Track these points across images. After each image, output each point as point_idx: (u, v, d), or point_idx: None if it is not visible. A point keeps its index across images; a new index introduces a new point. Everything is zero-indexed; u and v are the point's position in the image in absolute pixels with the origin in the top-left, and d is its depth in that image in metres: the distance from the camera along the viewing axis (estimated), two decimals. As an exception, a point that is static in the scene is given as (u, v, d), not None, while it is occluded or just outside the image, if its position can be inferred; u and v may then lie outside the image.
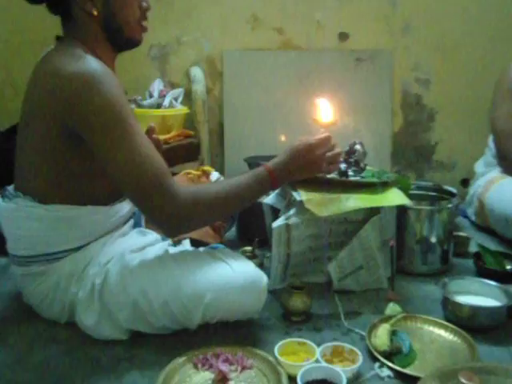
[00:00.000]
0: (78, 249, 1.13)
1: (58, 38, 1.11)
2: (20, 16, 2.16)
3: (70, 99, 0.98)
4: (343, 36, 2.32)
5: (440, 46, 2.30)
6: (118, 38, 1.11)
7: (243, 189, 1.10)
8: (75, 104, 0.97)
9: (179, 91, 2.12)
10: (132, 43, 1.14)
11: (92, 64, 1.00)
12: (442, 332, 1.13)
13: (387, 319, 1.14)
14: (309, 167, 1.18)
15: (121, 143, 0.98)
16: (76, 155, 1.06)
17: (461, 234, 1.68)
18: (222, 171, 2.08)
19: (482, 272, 1.43)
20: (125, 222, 1.25)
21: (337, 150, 1.22)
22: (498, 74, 1.87)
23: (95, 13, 1.05)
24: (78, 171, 1.08)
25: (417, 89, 2.36)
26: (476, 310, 1.16)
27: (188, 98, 2.20)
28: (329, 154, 1.20)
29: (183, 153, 1.99)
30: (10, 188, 1.16)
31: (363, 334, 1.12)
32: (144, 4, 1.12)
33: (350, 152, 1.40)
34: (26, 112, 1.09)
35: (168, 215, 1.01)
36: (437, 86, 2.34)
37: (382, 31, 2.30)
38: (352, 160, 1.39)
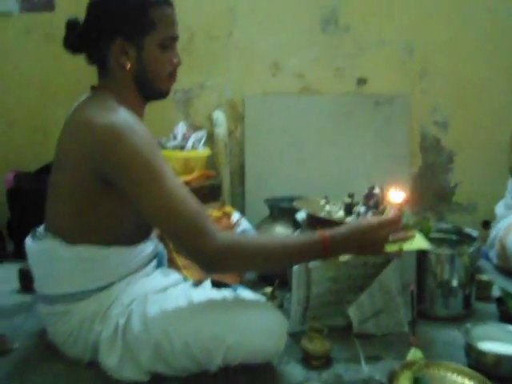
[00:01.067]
0: (103, 289, 1.16)
1: (93, 88, 1.19)
2: (55, 62, 2.29)
3: (103, 149, 1.03)
4: (362, 81, 2.38)
5: (457, 90, 2.34)
6: (148, 89, 1.17)
7: (291, 248, 1.06)
8: (108, 154, 1.03)
9: (202, 134, 2.20)
10: (161, 95, 1.21)
11: (122, 115, 1.06)
12: (465, 380, 1.10)
13: (409, 366, 1.13)
14: (369, 247, 1.10)
15: (153, 188, 1.01)
16: (105, 199, 1.10)
17: (483, 277, 1.66)
18: (242, 212, 2.11)
19: (506, 317, 1.41)
20: (148, 262, 1.28)
21: (402, 233, 1.13)
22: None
23: (128, 66, 1.12)
24: (105, 214, 1.12)
25: (435, 131, 2.38)
26: (501, 359, 1.14)
27: (210, 140, 2.26)
28: (394, 236, 1.11)
29: (205, 194, 2.03)
30: (40, 228, 1.21)
31: (384, 382, 1.10)
32: (175, 60, 1.18)
33: (370, 195, 1.42)
34: (58, 156, 1.15)
35: (204, 255, 1.02)
36: (455, 129, 2.37)
37: (399, 76, 2.36)
38: (371, 203, 1.41)
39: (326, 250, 1.06)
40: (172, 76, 1.19)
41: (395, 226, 1.11)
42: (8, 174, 2.18)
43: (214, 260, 1.02)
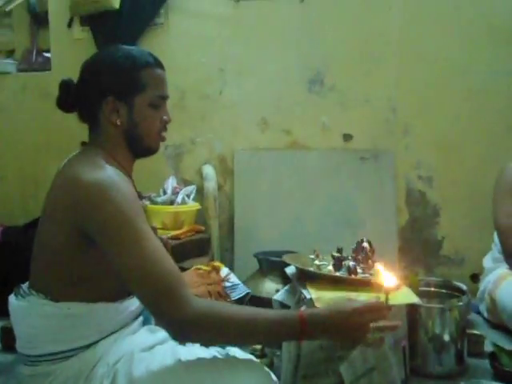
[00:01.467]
0: (87, 347, 1.12)
1: (83, 144, 1.21)
2: (49, 118, 2.35)
3: (85, 206, 1.03)
4: (347, 137, 2.45)
5: (439, 145, 2.42)
6: (138, 146, 1.19)
7: (265, 325, 0.99)
8: (90, 211, 1.03)
9: (192, 188, 2.22)
10: (150, 152, 1.23)
11: (108, 173, 1.06)
12: None
13: (403, 426, 1.09)
14: (350, 333, 1.01)
15: (131, 249, 1.00)
16: (89, 255, 1.09)
17: (474, 332, 1.65)
18: (231, 266, 2.10)
19: (500, 374, 1.39)
20: (134, 318, 1.25)
21: (386, 322, 1.03)
22: (497, 169, 1.95)
23: (119, 123, 1.15)
24: (89, 270, 1.11)
25: (420, 185, 2.44)
26: (496, 418, 1.11)
27: (200, 194, 2.29)
28: (376, 324, 1.02)
29: (194, 248, 2.04)
30: (24, 286, 1.19)
31: None
32: (165, 118, 1.21)
33: (358, 249, 1.43)
34: (45, 213, 1.15)
35: (176, 322, 0.98)
36: (440, 183, 2.42)
37: (383, 132, 2.44)
38: (360, 257, 1.42)
39: (302, 331, 0.98)
40: (162, 134, 1.22)
41: (377, 312, 1.03)
42: (-5, 228, 2.17)
43: (184, 328, 0.97)
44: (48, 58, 2.52)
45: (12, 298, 1.17)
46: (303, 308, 1.32)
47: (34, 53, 2.58)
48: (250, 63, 2.46)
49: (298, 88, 2.45)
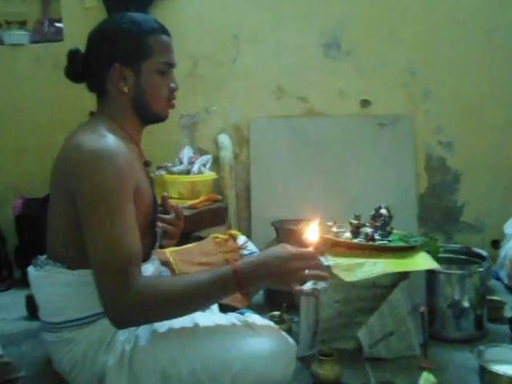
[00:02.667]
0: (106, 314, 1.14)
1: (91, 113, 1.21)
2: (63, 89, 2.33)
3: (77, 173, 1.04)
4: (365, 103, 2.40)
5: (460, 109, 2.35)
6: (146, 113, 1.19)
7: (204, 287, 1.01)
8: (78, 178, 1.03)
9: (207, 158, 2.21)
10: (158, 119, 1.22)
11: (106, 143, 1.05)
12: (480, 404, 1.08)
13: (421, 390, 1.10)
14: (280, 277, 1.04)
15: (101, 222, 1.00)
16: None
17: (494, 298, 1.63)
18: (248, 235, 2.11)
19: (520, 339, 1.38)
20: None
21: (315, 272, 1.06)
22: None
23: (126, 90, 1.15)
24: None
25: (440, 151, 2.39)
26: (516, 381, 1.11)
27: (216, 163, 2.28)
28: (306, 272, 1.05)
29: (211, 217, 2.04)
30: (42, 257, 1.21)
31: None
32: (172, 85, 1.20)
33: (376, 216, 1.41)
34: (53, 182, 1.16)
35: (118, 310, 0.98)
36: (460, 148, 2.37)
37: (402, 97, 2.38)
38: (378, 224, 1.40)
39: (239, 281, 1.00)
40: (169, 101, 1.21)
41: (309, 261, 1.05)
42: (17, 200, 2.20)
43: (122, 316, 0.98)
44: (60, 29, 2.49)
45: (31, 269, 1.20)
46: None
47: (46, 23, 2.55)
48: (263, 29, 2.40)
49: (313, 53, 2.38)
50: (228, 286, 1.02)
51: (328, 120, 2.39)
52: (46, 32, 2.55)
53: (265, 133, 2.40)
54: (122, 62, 1.13)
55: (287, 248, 1.05)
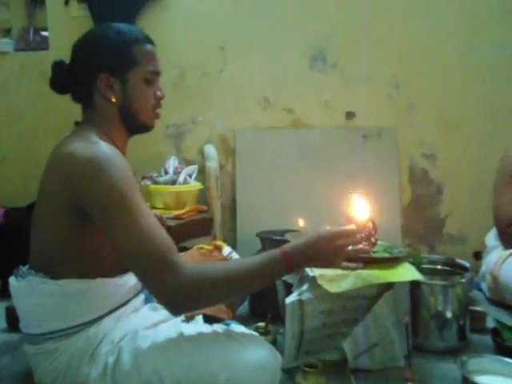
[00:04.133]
0: (90, 324, 1.13)
1: (77, 123, 1.21)
2: (48, 98, 2.31)
3: (81, 181, 1.04)
4: (350, 115, 2.43)
5: (443, 123, 2.39)
6: (133, 123, 1.20)
7: (254, 270, 1.03)
8: (85, 186, 1.03)
9: (193, 168, 2.21)
10: (144, 128, 1.23)
11: (102, 148, 1.07)
12: (463, 415, 1.09)
13: (405, 401, 1.11)
14: (327, 257, 1.09)
15: (125, 222, 1.01)
16: (85, 232, 1.10)
17: (477, 308, 1.65)
18: (234, 246, 2.10)
19: (502, 349, 1.39)
20: (135, 294, 1.26)
21: (360, 246, 1.15)
22: (499, 148, 1.93)
23: (114, 100, 1.15)
24: (87, 246, 1.12)
25: (423, 163, 2.42)
26: (498, 392, 1.12)
27: (202, 174, 2.28)
28: (350, 248, 1.11)
29: (196, 227, 2.03)
30: (24, 267, 1.19)
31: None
32: (159, 93, 1.22)
33: (361, 228, 1.42)
34: (41, 191, 1.15)
35: (172, 293, 0.99)
36: (442, 161, 2.41)
37: (386, 110, 2.41)
38: (363, 235, 1.41)
39: (288, 264, 1.04)
40: (156, 110, 1.22)
41: (351, 236, 1.11)
42: (-2, 210, 2.16)
43: (183, 295, 0.99)
44: (45, 37, 2.48)
45: (12, 280, 1.19)
46: (304, 288, 1.33)
47: (31, 31, 2.54)
48: (250, 41, 2.42)
49: (299, 65, 2.41)
50: (277, 269, 1.04)
51: (313, 131, 2.42)
52: (31, 40, 2.54)
53: (251, 143, 2.41)
54: (109, 72, 1.14)
55: (328, 228, 1.10)
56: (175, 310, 1.05)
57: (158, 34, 2.26)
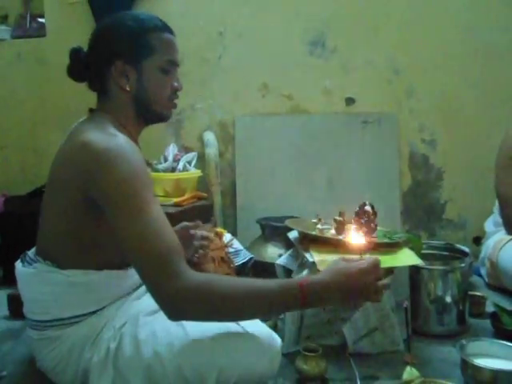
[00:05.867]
0: (94, 313, 1.14)
1: (91, 110, 1.18)
2: (46, 85, 2.31)
3: (95, 173, 1.02)
4: (350, 100, 2.41)
5: (443, 108, 2.38)
6: (148, 112, 1.17)
7: (265, 295, 0.96)
8: (98, 177, 1.01)
9: (193, 155, 2.21)
10: (160, 118, 1.20)
11: (119, 141, 1.04)
12: (462, 397, 1.10)
13: (405, 384, 1.12)
14: (355, 294, 1.00)
15: (134, 217, 0.98)
16: (95, 223, 1.09)
17: (476, 293, 1.66)
18: (234, 233, 2.10)
19: (501, 333, 1.41)
20: (140, 285, 1.26)
21: (384, 280, 1.05)
22: (499, 133, 1.92)
23: (128, 88, 1.13)
24: (95, 238, 1.11)
25: (423, 149, 2.41)
26: (497, 374, 1.13)
27: (201, 161, 2.28)
28: (379, 282, 1.02)
29: (196, 215, 2.02)
30: (31, 253, 1.19)
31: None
32: (175, 84, 1.19)
33: (361, 212, 1.43)
34: (52, 179, 1.14)
35: (167, 297, 0.95)
36: (443, 146, 2.40)
37: (386, 95, 2.40)
38: (363, 220, 1.41)
39: (303, 298, 0.95)
40: (172, 100, 1.19)
41: (378, 269, 1.02)
42: (-2, 198, 2.16)
43: (179, 300, 0.94)
44: (42, 24, 2.45)
45: (18, 265, 1.19)
46: (304, 273, 1.33)
47: (28, 18, 2.51)
48: (249, 26, 2.39)
49: (299, 51, 2.39)
50: (290, 300, 0.96)
51: (313, 118, 2.40)
52: (28, 27, 2.51)
53: (250, 130, 2.40)
54: (124, 60, 1.12)
55: (353, 264, 1.01)
56: (168, 315, 0.98)
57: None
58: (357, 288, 0.99)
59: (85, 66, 1.16)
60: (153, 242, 0.96)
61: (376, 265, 1.02)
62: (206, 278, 0.97)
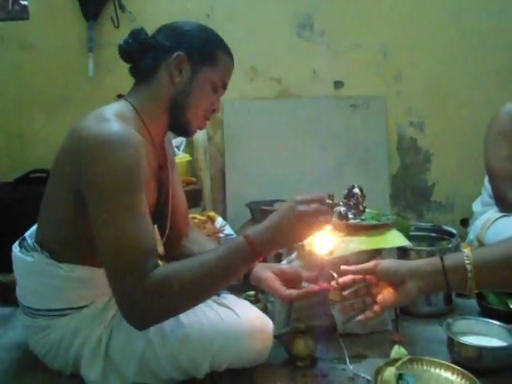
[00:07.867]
0: (86, 306, 1.13)
1: (119, 96, 1.14)
2: (29, 69, 2.26)
3: (83, 160, 0.97)
4: (338, 84, 2.41)
5: (431, 91, 2.39)
6: (178, 116, 1.13)
7: (218, 264, 0.93)
8: (84, 166, 0.97)
9: (181, 140, 2.19)
10: (185, 129, 1.16)
11: (112, 128, 0.97)
12: (448, 374, 1.12)
13: (393, 362, 1.14)
14: (302, 225, 0.96)
15: (112, 215, 0.93)
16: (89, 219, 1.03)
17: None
18: (224, 217, 2.10)
19: (486, 312, 1.43)
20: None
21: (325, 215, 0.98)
22: (487, 115, 1.93)
23: (177, 81, 1.10)
24: (91, 235, 1.09)
25: (412, 132, 2.43)
26: (482, 351, 1.16)
27: (190, 146, 2.26)
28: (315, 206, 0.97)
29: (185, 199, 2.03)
30: (28, 237, 1.17)
31: (369, 378, 1.11)
32: (215, 106, 1.16)
33: (349, 195, 1.43)
34: (54, 169, 1.10)
35: (131, 304, 0.92)
36: (431, 129, 2.41)
37: (375, 78, 2.40)
38: (351, 203, 1.42)
39: (252, 247, 0.93)
40: (205, 118, 1.16)
41: (318, 206, 0.97)
42: (-16, 185, 2.13)
43: (144, 307, 0.92)
44: (25, 6, 2.40)
45: (16, 248, 1.17)
46: (294, 255, 1.34)
47: (10, 0, 2.45)
48: (237, 9, 2.36)
49: (287, 34, 2.37)
50: (244, 258, 0.94)
51: (301, 101, 2.40)
52: (10, 9, 2.45)
53: (238, 114, 2.39)
54: (188, 56, 1.10)
55: (291, 203, 0.97)
56: (136, 323, 0.95)
57: (143, 4, 2.21)
58: (299, 218, 0.94)
59: (141, 47, 1.12)
60: (124, 242, 0.91)
61: (303, 198, 0.97)
62: (161, 276, 0.92)
